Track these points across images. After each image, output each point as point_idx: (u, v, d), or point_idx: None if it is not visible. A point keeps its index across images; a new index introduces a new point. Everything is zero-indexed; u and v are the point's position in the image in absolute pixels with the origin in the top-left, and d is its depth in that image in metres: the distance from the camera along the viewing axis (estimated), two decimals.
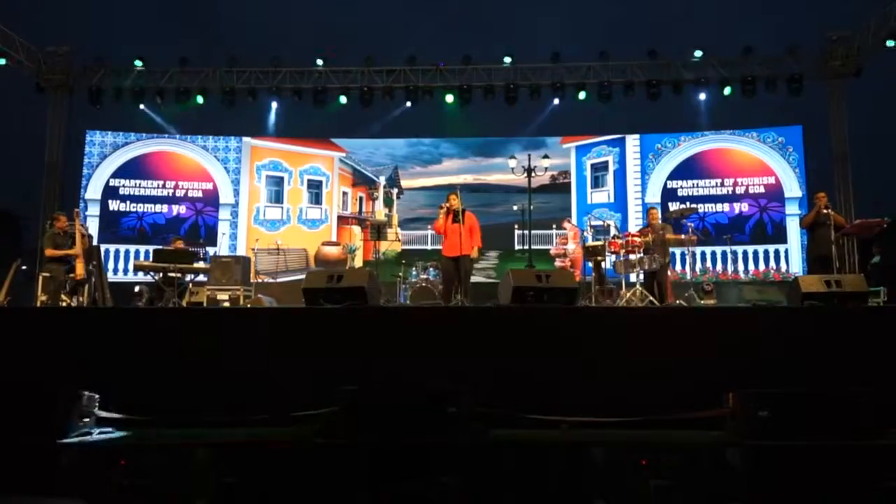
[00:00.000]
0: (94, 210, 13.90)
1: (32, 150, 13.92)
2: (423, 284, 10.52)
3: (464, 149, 14.58)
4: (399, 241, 13.87)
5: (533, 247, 12.63)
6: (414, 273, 11.10)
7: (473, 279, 9.60)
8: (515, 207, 13.83)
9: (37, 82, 13.50)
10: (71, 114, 13.96)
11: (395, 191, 14.40)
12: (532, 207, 12.31)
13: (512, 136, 14.59)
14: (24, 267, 10.78)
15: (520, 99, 13.71)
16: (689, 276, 11.45)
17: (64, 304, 8.66)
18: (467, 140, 14.61)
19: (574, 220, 13.93)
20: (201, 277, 10.25)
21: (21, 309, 6.48)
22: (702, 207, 13.25)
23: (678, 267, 12.57)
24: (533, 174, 12.69)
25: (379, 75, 13.76)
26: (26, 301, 10.53)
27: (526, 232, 13.34)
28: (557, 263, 13.63)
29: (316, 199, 14.45)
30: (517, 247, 13.84)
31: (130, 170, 14.19)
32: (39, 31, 13.97)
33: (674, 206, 12.98)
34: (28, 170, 14.83)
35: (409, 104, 13.78)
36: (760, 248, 13.27)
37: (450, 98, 13.71)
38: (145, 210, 14.06)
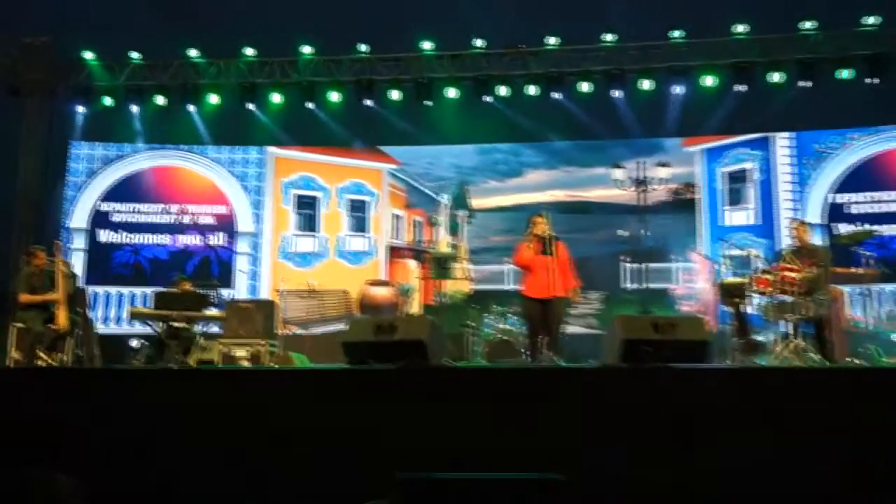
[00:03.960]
0: (79, 242, 14.63)
1: (2, 169, 14.51)
2: (502, 337, 10.45)
3: (552, 156, 14.73)
4: (469, 279, 13.91)
5: (648, 285, 12.42)
6: (489, 322, 11.04)
7: (568, 329, 9.47)
8: (623, 233, 13.64)
9: (11, 83, 14.15)
10: (52, 121, 14.56)
11: (463, 213, 14.51)
12: (646, 233, 12.13)
13: (617, 139, 14.49)
14: None
15: (627, 88, 13.63)
16: (867, 324, 11.00)
17: (41, 362, 8.92)
18: (557, 144, 14.79)
19: (704, 248, 13.63)
20: (214, 328, 10.46)
21: None
22: (883, 230, 12.76)
23: (850, 311, 12.10)
24: (646, 188, 12.55)
25: (440, 62, 14.00)
26: None
27: (638, 266, 13.13)
28: (682, 308, 13.34)
29: (360, 225, 14.73)
30: (626, 285, 13.69)
31: (125, 191, 14.96)
32: (12, 17, 14.66)
33: (844, 228, 12.55)
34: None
35: (482, 98, 13.82)
36: None
37: (533, 89, 13.79)
38: (143, 242, 14.69)
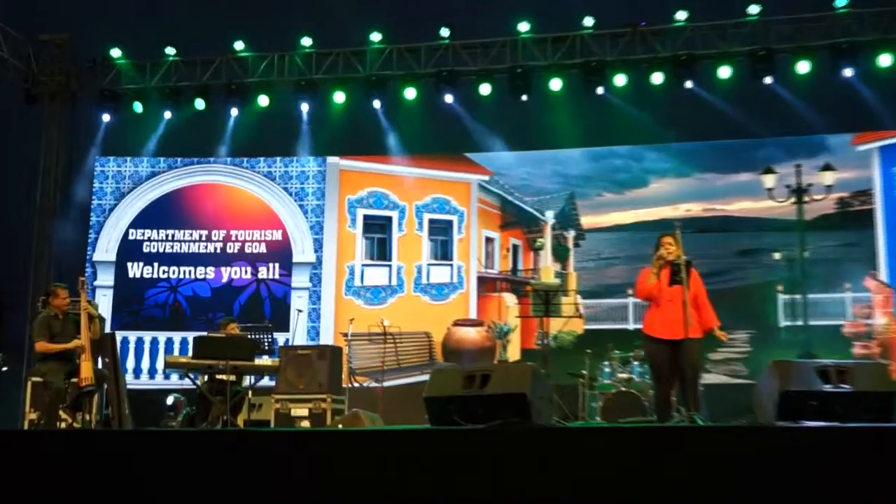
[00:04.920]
0: (105, 278, 15.14)
1: (17, 191, 15.01)
2: (623, 388, 10.31)
3: (684, 160, 14.72)
4: (580, 316, 13.70)
5: (810, 322, 12.10)
6: (607, 370, 10.95)
7: (708, 379, 9.28)
8: (777, 256, 13.36)
9: (26, 89, 14.93)
10: (73, 133, 15.13)
11: (571, 234, 14.42)
12: (807, 254, 11.84)
13: (767, 137, 14.25)
14: (4, 368, 11.61)
15: (778, 72, 13.43)
16: None
17: (63, 424, 9.14)
18: (689, 146, 14.74)
19: (883, 274, 13.25)
20: (266, 380, 10.58)
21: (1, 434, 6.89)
22: None
23: None
24: (806, 197, 12.27)
25: (540, 48, 14.00)
26: (9, 421, 11.28)
27: (797, 297, 12.80)
28: (857, 351, 13.03)
29: (443, 251, 14.91)
30: (782, 323, 13.49)
31: (159, 214, 15.45)
32: (25, 11, 15.21)
33: None
34: (11, 220, 15.97)
35: (594, 90, 13.77)
36: None
37: (657, 77, 13.67)
38: (181, 276, 15.11)
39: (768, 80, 13.55)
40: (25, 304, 14.10)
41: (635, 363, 10.92)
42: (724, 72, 13.60)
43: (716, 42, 13.74)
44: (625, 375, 10.85)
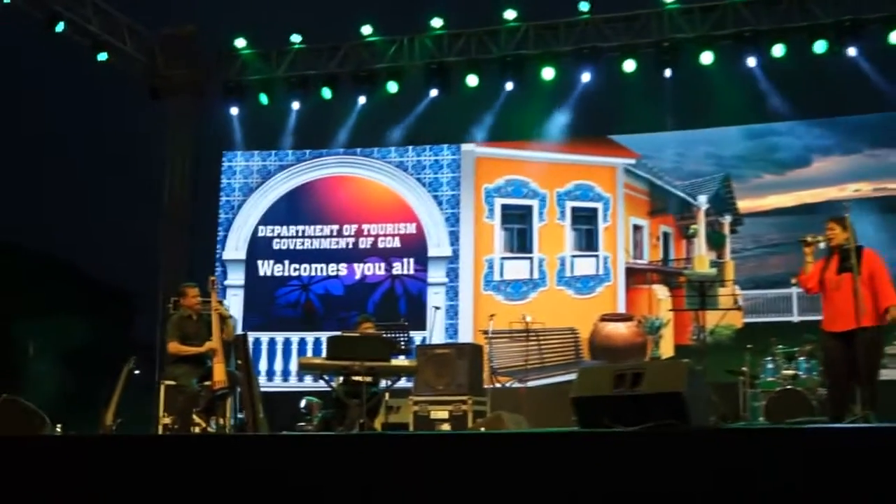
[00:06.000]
0: (235, 277, 15.61)
1: (144, 189, 15.53)
2: (789, 386, 10.09)
3: (851, 135, 14.34)
4: (739, 308, 13.50)
5: None
6: (770, 366, 10.74)
7: (888, 374, 9.00)
8: None
9: (151, 84, 15.28)
10: (199, 128, 15.63)
11: (728, 219, 14.16)
12: None
13: None
14: (136, 371, 12.02)
15: None
16: None
17: (197, 428, 9.43)
18: (857, 119, 14.37)
19: None
20: (403, 382, 10.68)
21: (134, 439, 7.10)
22: None
23: None
24: None
25: (687, 19, 13.82)
26: (143, 425, 11.66)
27: None
28: None
29: (588, 240, 14.88)
30: None
31: (288, 209, 15.83)
32: (149, 5, 15.72)
33: None
34: (139, 221, 16.54)
35: (747, 62, 13.46)
36: None
37: (819, 45, 13.28)
38: (313, 273, 15.38)
39: None
40: (156, 306, 14.57)
41: (801, 359, 10.67)
42: None
43: (885, 3, 13.33)
44: (790, 372, 10.60)
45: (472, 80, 14.59)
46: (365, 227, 15.32)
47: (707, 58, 13.77)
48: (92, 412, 11.45)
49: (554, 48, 14.29)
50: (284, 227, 15.49)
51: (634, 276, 14.61)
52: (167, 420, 10.31)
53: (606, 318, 14.25)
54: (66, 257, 20.32)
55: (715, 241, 14.40)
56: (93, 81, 16.63)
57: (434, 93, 14.80)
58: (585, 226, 14.87)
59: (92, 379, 13.48)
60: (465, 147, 15.35)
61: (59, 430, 10.49)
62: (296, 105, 15.41)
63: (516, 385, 12.72)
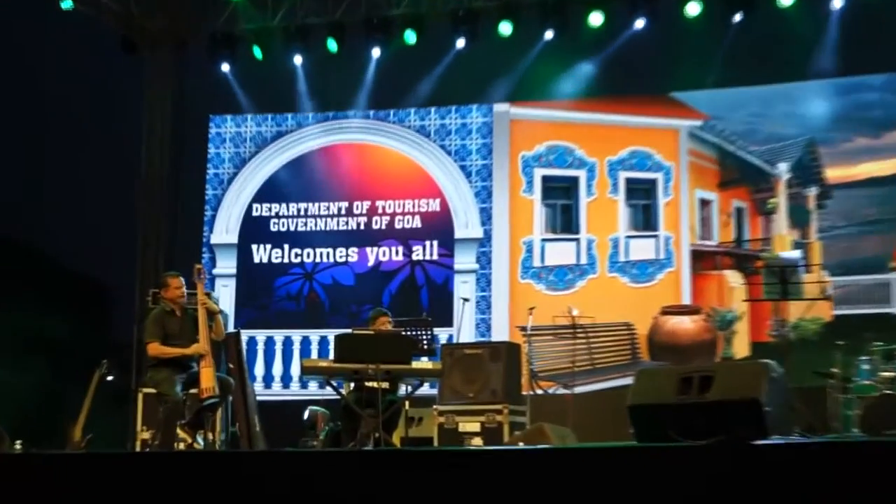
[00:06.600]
0: (226, 265, 15.25)
1: (116, 161, 15.44)
2: (889, 391, 10.00)
3: None
4: (828, 297, 13.39)
5: None
6: (866, 367, 10.61)
7: None
8: None
9: (124, 35, 14.86)
10: (181, 87, 15.26)
11: (813, 192, 13.99)
12: None
13: None
14: (109, 377, 12.02)
15: None
16: None
17: (182, 444, 9.39)
18: None
19: None
20: (426, 388, 10.63)
21: (107, 458, 7.09)
22: None
23: None
24: None
25: None
26: (117, 440, 11.68)
27: None
28: None
29: (645, 218, 14.60)
30: None
31: (288, 184, 15.47)
32: None
33: None
34: (112, 197, 16.49)
35: (833, 3, 13.30)
36: None
37: None
38: (318, 260, 15.14)
39: None
40: (132, 300, 14.45)
41: None
42: None
43: None
44: (889, 374, 10.50)
45: (505, 29, 14.13)
46: (379, 203, 15.04)
47: None
48: (57, 426, 11.50)
49: None
50: (284, 205, 15.21)
51: (702, 260, 14.35)
52: (146, 435, 10.30)
53: (668, 311, 14.08)
54: (23, 241, 20.32)
55: (798, 218, 14.15)
56: (55, 34, 16.53)
57: (461, 43, 14.37)
58: (642, 200, 14.61)
59: (57, 386, 13.53)
60: (497, 108, 14.97)
61: (18, 447, 10.53)
62: (297, 60, 14.96)
63: (561, 391, 12.62)
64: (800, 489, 4.92)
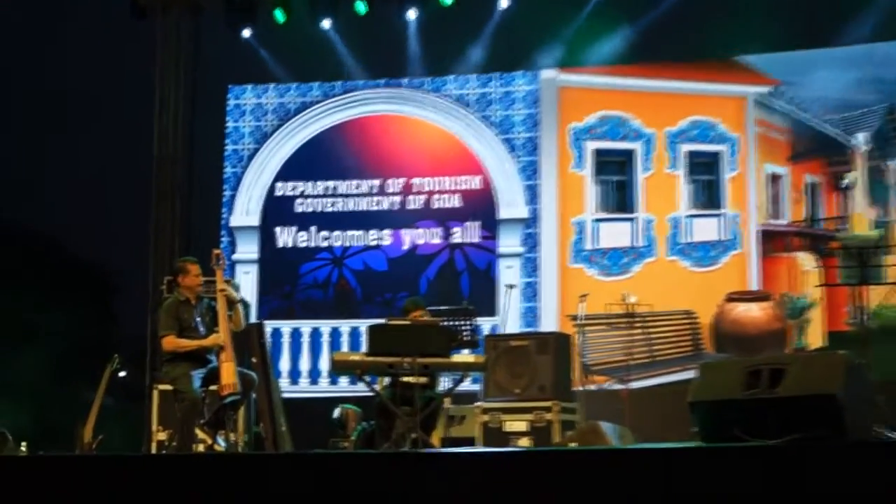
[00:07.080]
0: (247, 249, 15.30)
1: (127, 138, 15.47)
2: None
3: None
4: None
5: None
6: None
7: None
8: None
9: (133, 1, 14.75)
10: (197, 55, 15.23)
11: (894, 164, 13.92)
12: None
13: None
14: (122, 373, 12.13)
15: None
16: None
17: (201, 446, 9.48)
18: None
19: None
20: (468, 384, 10.67)
21: (120, 460, 7.15)
22: None
23: None
24: None
25: None
26: (132, 441, 11.78)
27: None
28: None
29: (709, 195, 14.51)
30: None
31: (314, 160, 15.44)
32: None
33: None
34: (122, 176, 16.57)
35: None
36: None
37: None
38: (348, 244, 15.15)
39: None
40: (146, 289, 14.55)
41: None
42: None
43: None
44: None
45: None
46: (415, 181, 15.10)
47: None
48: (66, 426, 11.61)
49: None
50: (310, 184, 15.26)
51: (771, 241, 14.34)
52: (162, 435, 10.39)
53: (735, 298, 14.06)
54: (31, 227, 20.42)
55: (878, 194, 14.08)
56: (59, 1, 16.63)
57: (504, 3, 14.51)
58: (705, 176, 14.59)
59: (65, 384, 13.66)
60: (544, 74, 14.95)
61: (23, 449, 10.65)
62: (325, 24, 15.02)
63: (616, 386, 12.61)
64: (883, 494, 4.92)
